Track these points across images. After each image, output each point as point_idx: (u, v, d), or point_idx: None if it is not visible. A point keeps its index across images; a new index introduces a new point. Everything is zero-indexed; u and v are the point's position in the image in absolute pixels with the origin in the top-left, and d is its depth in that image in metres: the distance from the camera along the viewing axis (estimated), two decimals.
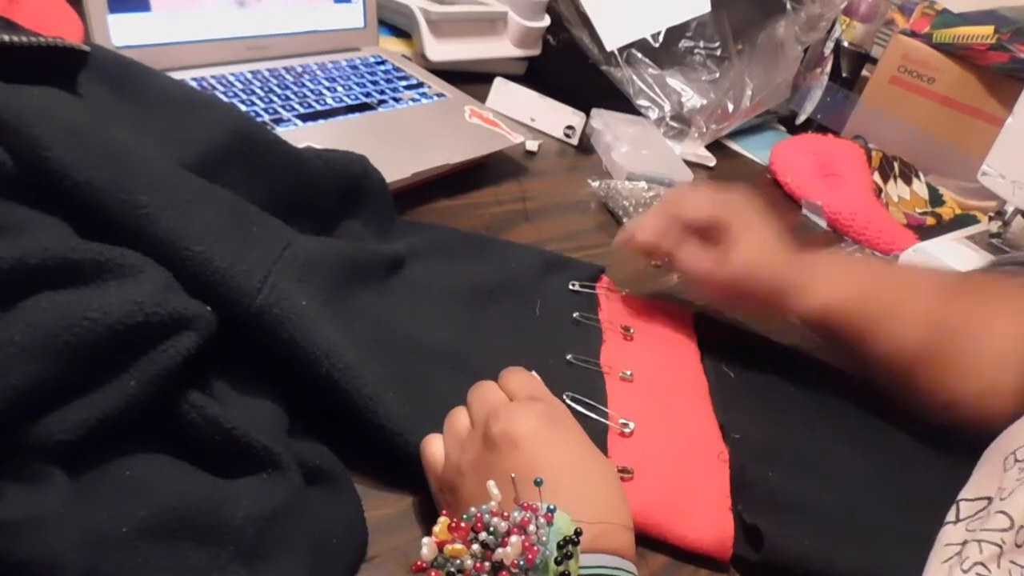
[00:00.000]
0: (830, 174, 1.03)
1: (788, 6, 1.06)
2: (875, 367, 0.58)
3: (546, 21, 1.01)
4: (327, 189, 0.56)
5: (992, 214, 0.86)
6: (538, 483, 0.35)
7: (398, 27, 0.95)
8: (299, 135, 0.65)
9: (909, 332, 0.56)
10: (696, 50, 1.01)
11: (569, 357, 0.55)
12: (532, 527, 0.33)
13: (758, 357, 0.64)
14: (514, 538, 0.33)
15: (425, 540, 0.34)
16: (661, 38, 0.99)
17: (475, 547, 0.33)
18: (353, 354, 0.43)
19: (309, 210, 0.54)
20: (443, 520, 0.34)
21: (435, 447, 0.42)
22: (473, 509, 0.34)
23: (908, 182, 1.07)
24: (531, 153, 0.87)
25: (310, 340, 0.41)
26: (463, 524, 0.34)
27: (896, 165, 1.07)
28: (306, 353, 0.41)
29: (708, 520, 0.47)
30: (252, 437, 0.37)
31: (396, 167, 0.64)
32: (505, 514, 0.34)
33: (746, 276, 0.57)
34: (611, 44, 0.97)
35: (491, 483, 0.35)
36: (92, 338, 0.33)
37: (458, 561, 0.33)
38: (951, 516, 0.47)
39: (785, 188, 1.04)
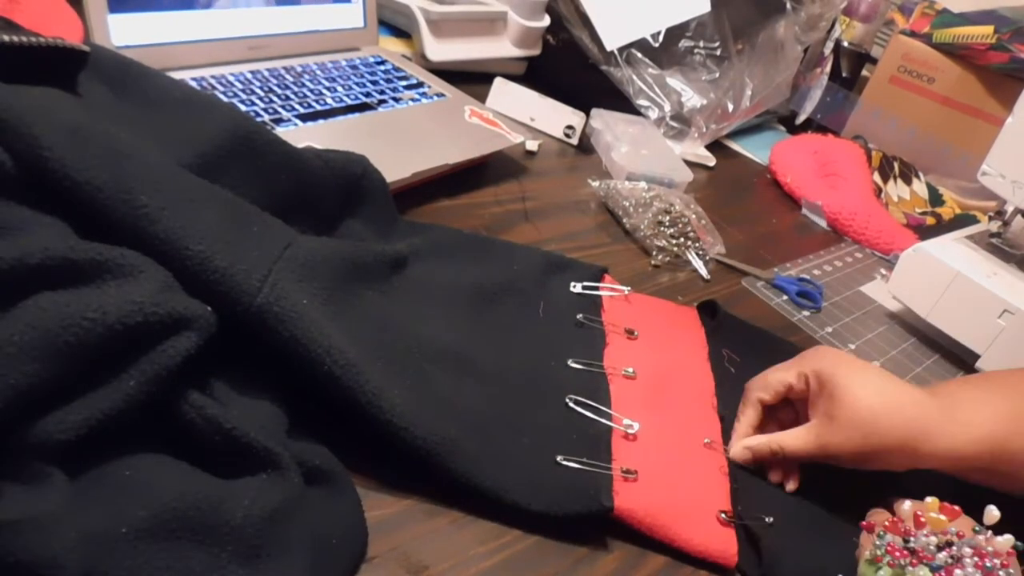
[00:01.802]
0: (830, 174, 1.03)
1: (788, 6, 1.06)
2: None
3: (546, 21, 1.01)
4: (327, 189, 0.56)
5: (992, 214, 0.86)
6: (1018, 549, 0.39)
7: (398, 27, 0.95)
8: (299, 135, 0.65)
9: None
10: (696, 50, 1.01)
11: (572, 363, 0.55)
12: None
13: (762, 352, 0.64)
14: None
15: (908, 504, 0.41)
16: (661, 38, 0.99)
17: (940, 555, 0.38)
18: (355, 352, 0.43)
19: (309, 210, 0.54)
20: (935, 501, 0.42)
21: None
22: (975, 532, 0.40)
23: (908, 182, 1.07)
24: (531, 153, 0.87)
25: (311, 339, 0.41)
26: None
27: (896, 165, 1.07)
28: (307, 351, 0.41)
29: (713, 525, 0.47)
30: (252, 437, 0.37)
31: (396, 167, 0.64)
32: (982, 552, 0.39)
33: (862, 432, 0.48)
34: (611, 44, 0.97)
35: (992, 508, 0.41)
36: (92, 338, 0.33)
37: (923, 540, 0.40)
38: None
39: (785, 188, 1.04)
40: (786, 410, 0.55)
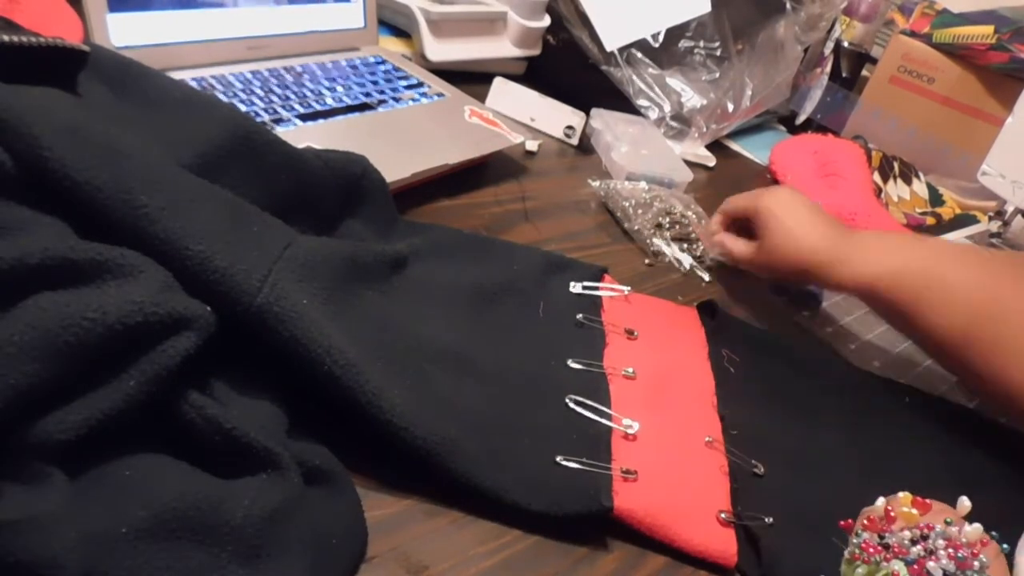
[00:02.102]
0: (830, 174, 1.03)
1: (788, 6, 1.06)
2: (925, 343, 0.60)
3: (546, 21, 1.01)
4: (327, 189, 0.56)
5: (992, 214, 0.86)
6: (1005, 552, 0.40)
7: (398, 27, 0.95)
8: (299, 135, 0.65)
9: (958, 308, 0.56)
10: (696, 50, 1.01)
11: (572, 363, 0.55)
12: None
13: (762, 352, 0.64)
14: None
15: (881, 500, 0.42)
16: (661, 38, 0.99)
17: (914, 548, 0.39)
18: (355, 352, 0.43)
19: (309, 210, 0.54)
20: (907, 496, 0.42)
21: None
22: (948, 524, 0.40)
23: (908, 182, 1.07)
24: (531, 153, 0.87)
25: (311, 338, 0.41)
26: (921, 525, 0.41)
27: (896, 165, 1.07)
28: (307, 351, 0.41)
29: (713, 525, 0.47)
30: (252, 437, 0.37)
31: (396, 167, 0.64)
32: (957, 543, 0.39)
33: (781, 258, 0.64)
34: (611, 44, 0.97)
35: (963, 498, 0.42)
36: (91, 338, 0.33)
37: (898, 536, 0.40)
38: None
39: None
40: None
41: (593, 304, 0.63)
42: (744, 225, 0.71)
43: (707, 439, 0.53)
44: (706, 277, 0.76)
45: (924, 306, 0.58)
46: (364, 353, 0.44)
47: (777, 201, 0.66)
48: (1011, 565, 0.41)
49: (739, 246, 0.69)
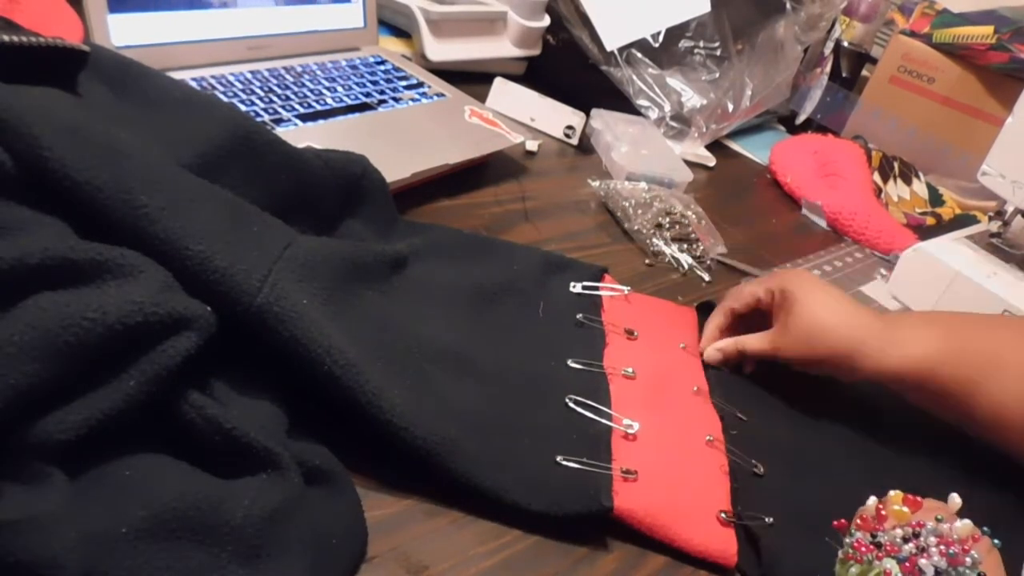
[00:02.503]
0: (830, 174, 1.03)
1: (788, 6, 1.06)
2: (985, 422, 0.56)
3: (546, 21, 1.01)
4: (327, 189, 0.56)
5: (992, 214, 0.86)
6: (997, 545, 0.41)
7: (398, 27, 0.95)
8: (299, 135, 0.65)
9: (1012, 387, 0.54)
10: (696, 50, 1.01)
11: (572, 363, 0.55)
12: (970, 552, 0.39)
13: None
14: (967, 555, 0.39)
15: (872, 500, 0.42)
16: (661, 38, 0.99)
17: (905, 546, 0.39)
18: (355, 352, 0.43)
19: (309, 210, 0.54)
20: (899, 494, 0.42)
21: None
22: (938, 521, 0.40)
23: (908, 182, 1.07)
24: (531, 153, 0.87)
25: (311, 338, 0.41)
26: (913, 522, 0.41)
27: (896, 165, 1.07)
28: (307, 351, 0.41)
29: (713, 525, 0.47)
30: (252, 437, 0.37)
31: (396, 167, 0.64)
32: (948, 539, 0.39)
33: (810, 343, 0.56)
34: (611, 44, 0.97)
35: (954, 495, 0.42)
36: (91, 338, 0.33)
37: (891, 534, 0.41)
38: None
39: (785, 188, 1.04)
40: (756, 318, 0.62)
41: (593, 304, 0.63)
42: (746, 321, 0.62)
43: (707, 438, 0.53)
44: (706, 277, 0.76)
45: (990, 383, 0.54)
46: (364, 353, 0.44)
47: (799, 283, 0.58)
48: (1006, 563, 0.41)
49: (755, 341, 0.59)
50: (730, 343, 0.60)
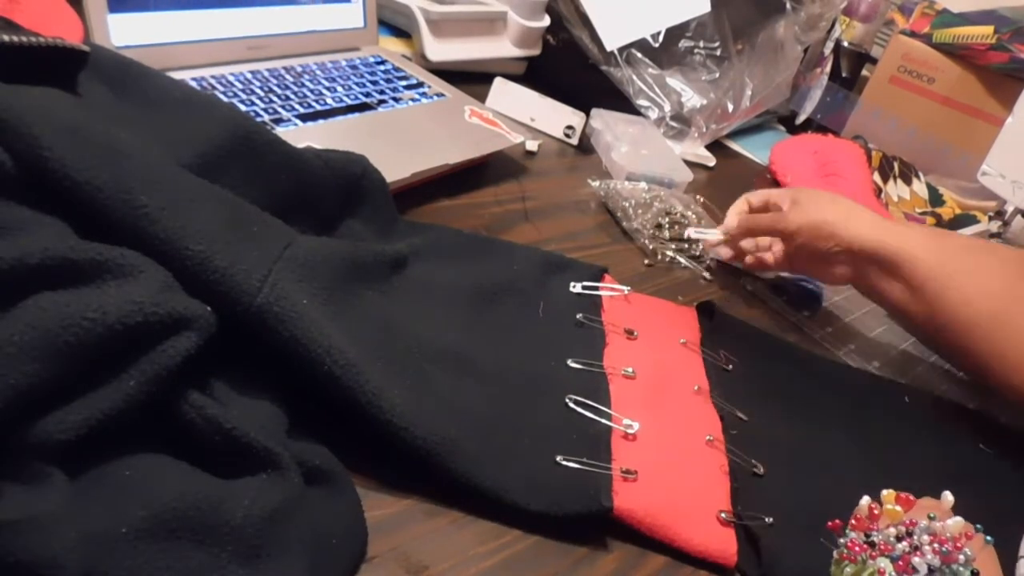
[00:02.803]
0: (830, 174, 1.03)
1: (788, 6, 1.06)
2: (945, 320, 0.60)
3: (546, 21, 1.01)
4: (327, 189, 0.56)
5: (992, 214, 0.86)
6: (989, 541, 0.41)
7: (398, 27, 0.95)
8: (299, 135, 0.65)
9: (983, 300, 0.57)
10: (696, 50, 1.01)
11: (572, 363, 0.55)
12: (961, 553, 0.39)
13: (762, 352, 0.64)
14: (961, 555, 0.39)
15: (865, 499, 0.43)
16: (661, 38, 0.99)
17: (899, 545, 0.40)
18: (355, 352, 0.43)
19: (309, 210, 0.54)
20: (891, 493, 0.43)
21: None
22: (931, 519, 0.41)
23: (908, 182, 1.07)
24: (531, 153, 0.87)
25: (311, 338, 0.41)
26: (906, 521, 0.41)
27: (896, 165, 1.07)
28: (307, 351, 0.41)
29: (713, 525, 0.47)
30: (252, 437, 0.37)
31: (396, 167, 0.64)
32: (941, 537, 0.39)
33: (814, 210, 0.66)
34: (611, 44, 0.97)
35: (947, 493, 0.43)
36: (91, 338, 0.33)
37: (884, 533, 0.41)
38: None
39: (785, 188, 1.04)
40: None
41: (593, 304, 0.63)
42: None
43: (707, 438, 0.53)
44: (706, 276, 0.76)
45: (960, 279, 0.58)
46: (364, 353, 0.44)
47: (807, 189, 0.70)
48: (1001, 561, 0.41)
49: (764, 217, 0.71)
50: (744, 217, 0.73)
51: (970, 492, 0.45)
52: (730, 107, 1.04)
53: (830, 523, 0.43)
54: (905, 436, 0.60)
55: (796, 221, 0.67)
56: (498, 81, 0.92)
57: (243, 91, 0.69)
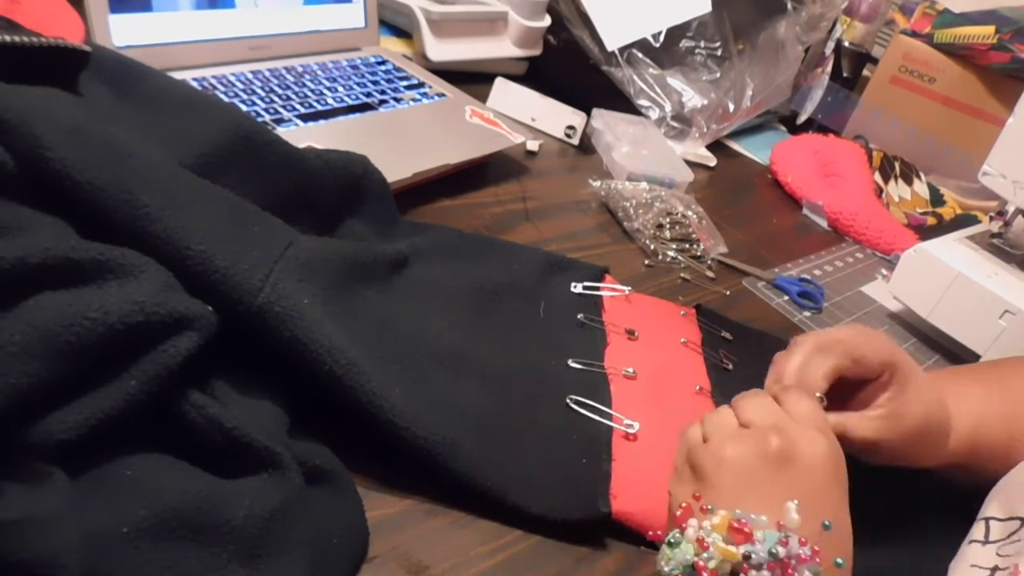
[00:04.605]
0: (831, 174, 1.03)
1: (789, 6, 1.06)
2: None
3: (547, 21, 1.01)
4: (328, 189, 0.56)
5: (993, 214, 0.86)
6: (827, 527, 0.36)
7: (399, 27, 0.95)
8: (300, 135, 0.65)
9: None
10: (697, 50, 1.01)
11: (572, 363, 0.55)
12: (805, 571, 0.34)
13: (762, 352, 0.64)
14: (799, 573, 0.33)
15: (693, 523, 0.36)
16: (662, 38, 0.99)
17: (742, 554, 0.34)
18: (356, 352, 0.43)
19: (310, 210, 0.54)
20: (726, 515, 0.36)
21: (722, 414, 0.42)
22: (753, 516, 0.35)
23: (909, 182, 1.07)
24: (532, 153, 0.87)
25: (312, 338, 0.41)
26: (747, 531, 0.35)
27: (897, 165, 1.07)
28: (308, 351, 0.41)
29: None
30: (253, 437, 0.37)
31: (397, 167, 0.64)
32: (785, 540, 0.34)
33: (925, 426, 0.47)
34: (612, 44, 0.97)
35: (791, 505, 0.36)
36: (93, 338, 0.33)
37: (713, 558, 0.35)
38: (978, 535, 0.44)
39: (786, 188, 1.04)
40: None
41: (594, 304, 0.63)
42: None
43: None
44: (708, 275, 0.76)
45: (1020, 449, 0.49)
46: (365, 353, 0.44)
47: (908, 363, 0.48)
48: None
49: (861, 428, 0.47)
50: (835, 424, 0.45)
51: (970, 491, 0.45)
52: (731, 107, 1.04)
53: (650, 533, 0.42)
54: None
55: (896, 442, 0.47)
56: (499, 81, 0.92)
57: (244, 91, 0.69)
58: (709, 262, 0.78)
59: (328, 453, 0.42)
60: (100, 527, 0.31)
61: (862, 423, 0.47)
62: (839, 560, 0.36)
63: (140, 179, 0.40)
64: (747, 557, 0.34)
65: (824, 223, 0.98)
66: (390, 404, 0.42)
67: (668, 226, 0.81)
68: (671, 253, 0.77)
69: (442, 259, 0.60)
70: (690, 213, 0.84)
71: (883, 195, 1.03)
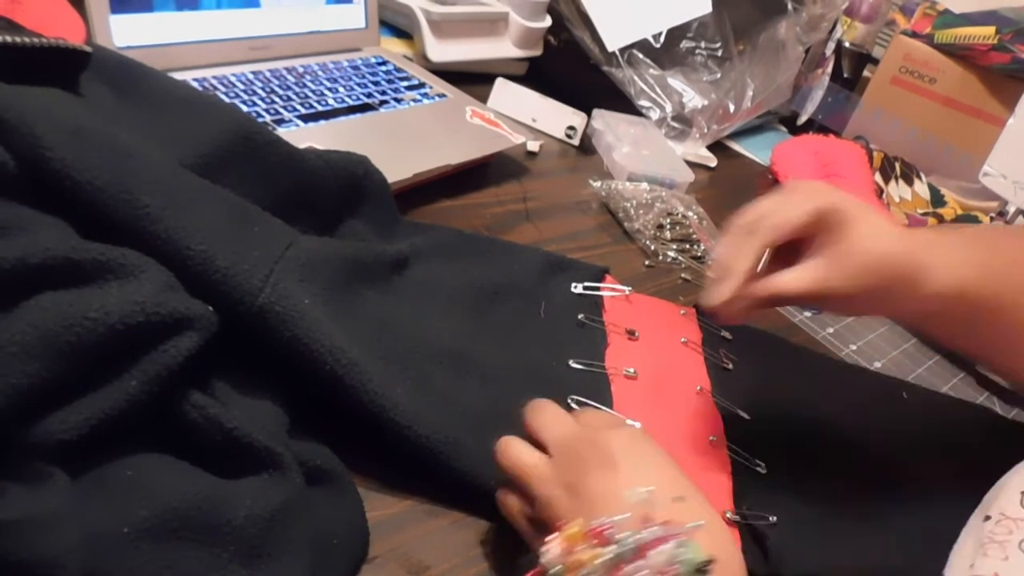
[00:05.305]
0: (831, 174, 1.03)
1: (789, 6, 1.06)
2: (995, 349, 0.51)
3: (547, 21, 1.01)
4: (328, 190, 0.56)
5: (994, 215, 0.86)
6: (679, 499, 0.36)
7: (399, 27, 0.95)
8: (300, 135, 0.65)
9: None
10: (697, 50, 1.01)
11: (573, 363, 0.55)
12: (670, 546, 0.32)
13: (762, 352, 0.64)
14: (662, 553, 0.32)
15: (552, 540, 0.34)
16: (662, 39, 0.99)
17: (608, 557, 0.32)
18: (357, 351, 0.43)
19: (310, 210, 0.54)
20: (579, 522, 0.34)
21: (519, 448, 0.40)
22: (605, 518, 0.34)
23: (909, 183, 1.07)
24: (532, 154, 0.87)
25: (313, 338, 0.41)
26: (599, 530, 0.33)
27: (897, 166, 1.07)
28: (309, 351, 0.41)
29: None
30: (253, 437, 0.37)
31: (397, 167, 0.64)
32: (641, 527, 0.33)
33: (862, 269, 0.45)
34: (612, 45, 0.97)
35: (629, 492, 0.35)
36: (93, 338, 0.33)
37: (584, 571, 0.33)
38: (979, 535, 0.42)
39: None
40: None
41: (594, 304, 0.63)
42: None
43: (711, 439, 0.53)
44: (709, 275, 0.76)
45: (1014, 313, 0.48)
46: (366, 352, 0.44)
47: (844, 198, 0.46)
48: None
49: (796, 281, 0.46)
50: (761, 289, 0.46)
51: (970, 486, 0.45)
52: (731, 108, 1.04)
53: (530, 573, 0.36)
54: (906, 433, 0.60)
55: (842, 285, 0.46)
56: (499, 82, 0.92)
57: (245, 92, 0.69)
58: (709, 262, 0.78)
59: (328, 453, 0.42)
60: (101, 527, 0.31)
61: (793, 276, 0.46)
62: (700, 523, 0.34)
63: (141, 179, 0.40)
64: (619, 556, 0.33)
65: None
66: (392, 403, 0.42)
67: (669, 226, 0.81)
68: (671, 253, 0.77)
69: (442, 259, 0.60)
70: (691, 213, 0.84)
71: (884, 195, 1.03)
